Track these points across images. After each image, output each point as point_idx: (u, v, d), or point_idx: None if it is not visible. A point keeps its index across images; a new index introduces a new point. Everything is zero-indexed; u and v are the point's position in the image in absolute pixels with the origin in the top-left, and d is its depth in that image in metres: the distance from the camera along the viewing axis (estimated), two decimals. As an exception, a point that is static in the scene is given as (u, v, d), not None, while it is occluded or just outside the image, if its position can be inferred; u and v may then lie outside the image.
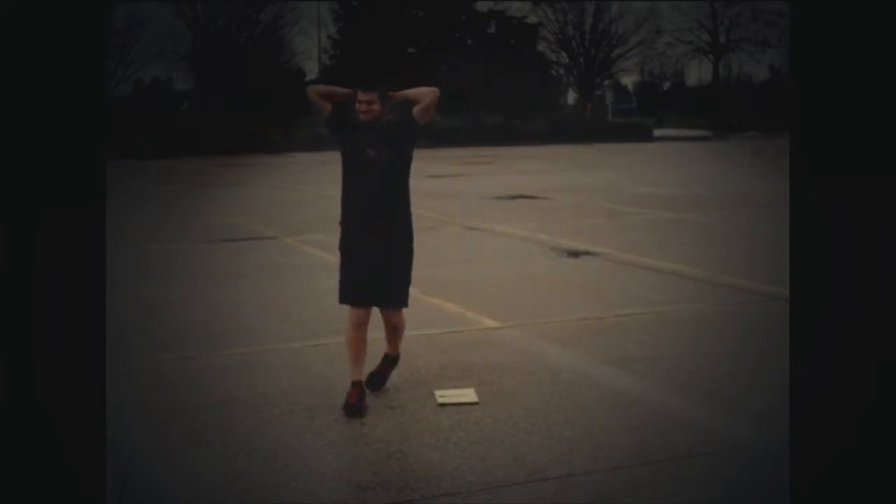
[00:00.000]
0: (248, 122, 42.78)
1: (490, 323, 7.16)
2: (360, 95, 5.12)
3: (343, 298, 5.33)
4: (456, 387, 5.47)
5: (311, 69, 58.16)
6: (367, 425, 4.88)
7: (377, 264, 5.21)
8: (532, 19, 56.94)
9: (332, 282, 9.05)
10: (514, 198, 17.42)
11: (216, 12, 50.71)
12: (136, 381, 5.72)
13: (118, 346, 6.19)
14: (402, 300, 5.35)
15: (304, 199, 17.94)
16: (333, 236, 12.93)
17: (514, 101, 50.59)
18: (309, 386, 5.58)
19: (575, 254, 10.60)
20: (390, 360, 5.55)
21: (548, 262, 10.13)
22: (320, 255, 10.76)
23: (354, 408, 5.05)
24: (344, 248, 5.38)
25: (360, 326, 5.22)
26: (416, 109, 5.22)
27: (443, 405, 5.15)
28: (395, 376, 5.72)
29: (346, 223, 5.38)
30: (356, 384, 5.17)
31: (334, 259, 10.34)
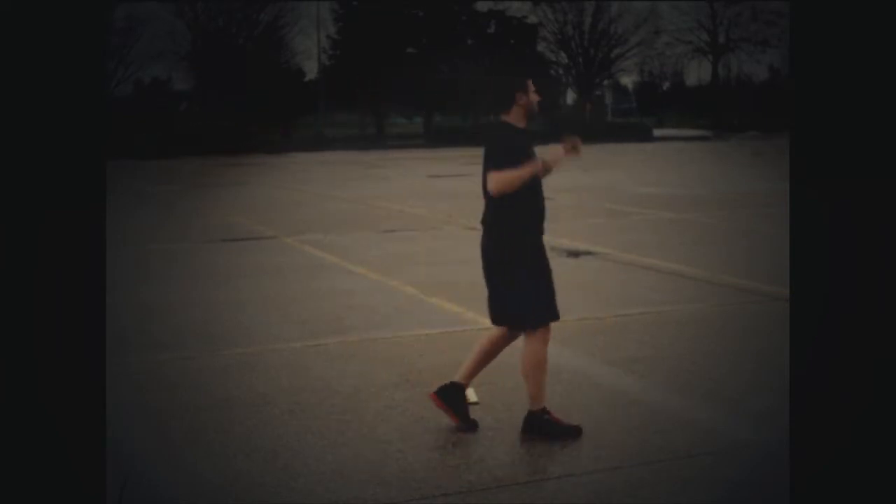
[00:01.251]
0: (248, 122, 42.80)
1: (490, 323, 7.15)
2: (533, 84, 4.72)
3: (549, 317, 4.86)
4: (456, 387, 5.46)
5: (311, 69, 58.19)
6: (367, 425, 4.88)
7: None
8: (532, 19, 57.00)
9: (333, 282, 9.11)
10: (514, 198, 17.39)
11: (216, 12, 50.74)
12: (136, 381, 5.72)
13: (118, 346, 6.19)
14: None
15: (304, 199, 17.94)
16: (333, 236, 12.88)
17: (514, 101, 50.48)
18: (309, 386, 5.58)
19: (575, 254, 10.59)
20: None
21: (548, 262, 10.12)
22: (320, 255, 10.76)
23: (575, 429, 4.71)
24: (537, 264, 4.83)
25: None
26: None
27: (443, 405, 5.14)
28: (394, 376, 5.72)
29: (530, 238, 4.80)
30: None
31: (335, 259, 10.39)
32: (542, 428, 4.66)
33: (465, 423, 4.79)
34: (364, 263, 10.03)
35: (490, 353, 4.94)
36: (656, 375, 5.68)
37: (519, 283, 4.76)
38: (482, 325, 7.08)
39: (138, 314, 7.60)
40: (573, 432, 4.65)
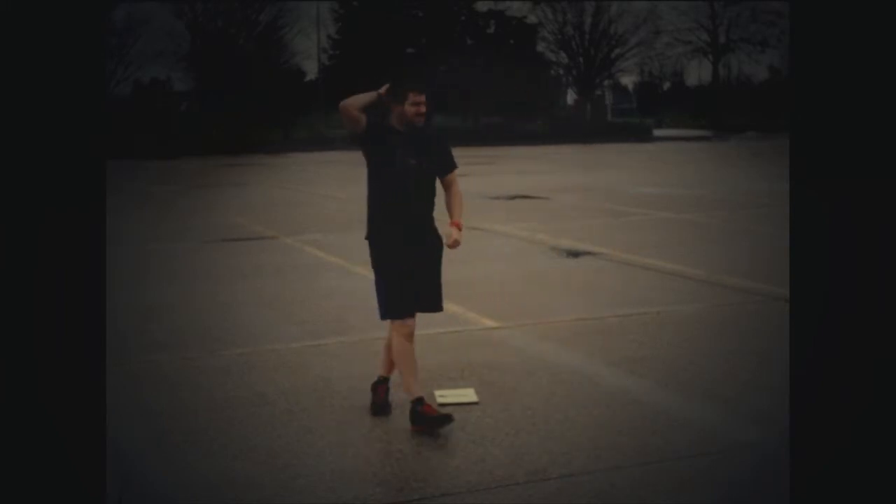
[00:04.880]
0: (248, 122, 42.79)
1: (490, 323, 7.16)
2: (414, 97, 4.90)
3: (391, 312, 4.92)
4: (456, 387, 5.47)
5: (311, 69, 58.20)
6: (367, 425, 4.88)
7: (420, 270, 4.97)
8: (531, 19, 57.07)
9: (333, 282, 9.11)
10: (513, 198, 17.42)
11: (215, 13, 50.75)
12: (136, 381, 5.72)
13: (118, 346, 6.19)
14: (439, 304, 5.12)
15: (304, 199, 17.94)
16: (333, 236, 12.86)
17: (514, 101, 50.64)
18: (309, 386, 5.58)
19: (575, 254, 10.59)
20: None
21: (548, 262, 10.13)
22: (320, 255, 10.77)
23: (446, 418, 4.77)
24: (378, 260, 5.00)
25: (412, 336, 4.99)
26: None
27: (443, 405, 5.14)
28: (394, 376, 5.71)
29: (380, 234, 4.98)
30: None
31: (335, 259, 10.39)
32: (415, 418, 4.79)
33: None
34: (364, 263, 9.98)
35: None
36: (656, 375, 5.68)
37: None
38: (482, 325, 7.09)
39: (138, 314, 7.60)
40: (444, 420, 4.72)
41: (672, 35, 62.72)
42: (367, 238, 5.01)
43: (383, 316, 4.96)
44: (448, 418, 4.73)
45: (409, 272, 4.89)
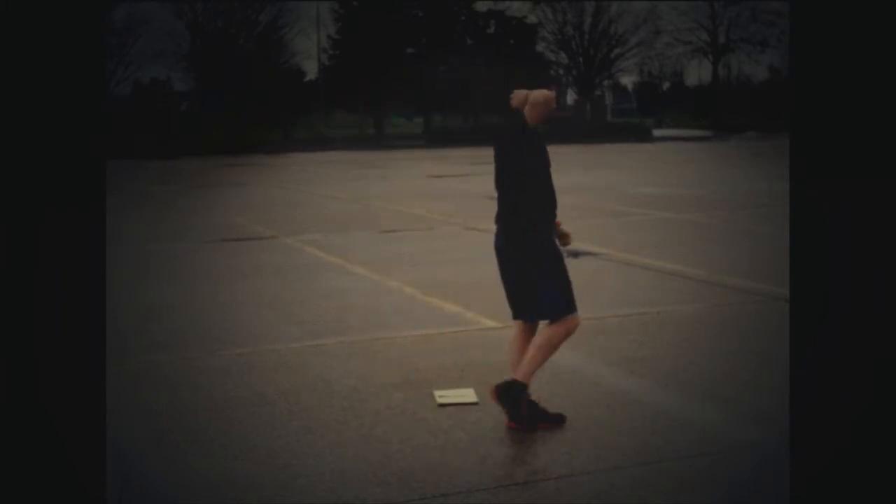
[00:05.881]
0: (248, 122, 42.82)
1: (490, 323, 7.16)
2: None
3: (572, 305, 4.88)
4: (456, 387, 5.47)
5: (311, 69, 58.25)
6: (367, 425, 4.88)
7: None
8: (531, 19, 57.10)
9: (333, 282, 9.11)
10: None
11: (215, 13, 50.77)
12: (136, 381, 5.72)
13: (118, 346, 6.19)
14: None
15: (304, 199, 17.94)
16: (333, 236, 12.83)
17: (514, 101, 50.60)
18: (309, 386, 5.58)
19: (575, 254, 10.59)
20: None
21: (548, 262, 10.12)
22: (320, 255, 10.76)
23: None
24: (557, 254, 5.08)
25: None
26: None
27: (443, 405, 5.14)
28: (394, 376, 5.72)
29: (547, 231, 5.17)
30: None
31: (334, 259, 10.40)
32: (516, 402, 4.73)
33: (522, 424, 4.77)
34: (364, 263, 10.03)
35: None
36: (656, 375, 5.68)
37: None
38: (482, 325, 7.09)
39: (138, 314, 7.60)
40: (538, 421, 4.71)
41: (672, 35, 62.70)
42: (534, 240, 5.04)
43: (565, 312, 4.81)
44: (561, 418, 4.80)
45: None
